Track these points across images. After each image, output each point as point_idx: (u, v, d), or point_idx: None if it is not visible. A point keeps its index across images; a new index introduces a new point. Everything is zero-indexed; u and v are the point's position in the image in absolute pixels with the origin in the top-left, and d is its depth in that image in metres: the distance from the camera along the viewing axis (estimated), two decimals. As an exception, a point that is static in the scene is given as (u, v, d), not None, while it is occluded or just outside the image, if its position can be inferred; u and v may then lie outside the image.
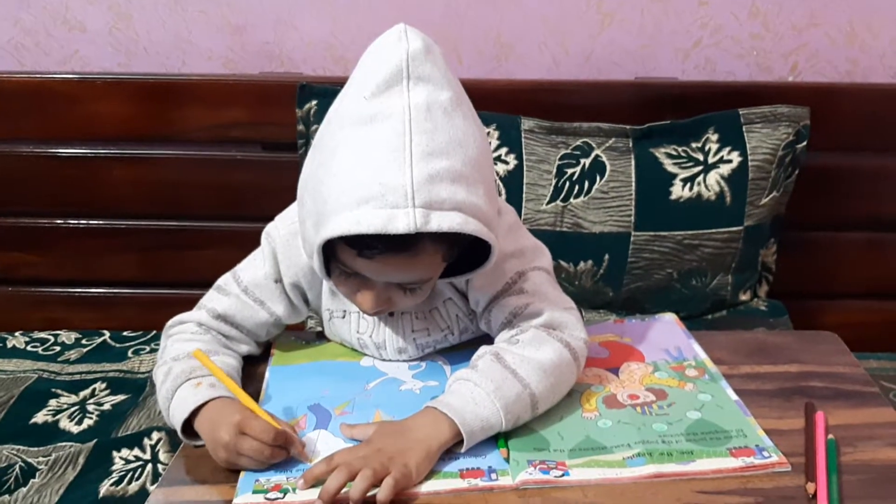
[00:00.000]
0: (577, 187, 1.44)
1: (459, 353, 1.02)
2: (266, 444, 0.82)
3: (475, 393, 0.86)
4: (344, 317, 1.01)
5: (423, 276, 0.88)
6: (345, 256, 0.84)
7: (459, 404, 0.85)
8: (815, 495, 0.78)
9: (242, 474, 0.83)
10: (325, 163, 0.82)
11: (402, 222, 0.77)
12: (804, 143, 1.46)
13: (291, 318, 1.02)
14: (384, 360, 1.02)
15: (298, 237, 0.93)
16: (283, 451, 0.84)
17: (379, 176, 0.78)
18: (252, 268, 1.00)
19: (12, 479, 1.21)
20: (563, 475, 0.81)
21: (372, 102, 0.79)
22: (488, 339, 0.98)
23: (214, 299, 0.99)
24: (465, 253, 0.88)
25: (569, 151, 1.46)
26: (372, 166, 0.78)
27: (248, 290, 0.99)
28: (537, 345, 0.91)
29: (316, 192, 0.82)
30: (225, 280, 1.01)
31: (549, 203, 1.44)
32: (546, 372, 0.89)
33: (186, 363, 0.91)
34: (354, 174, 0.79)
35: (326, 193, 0.80)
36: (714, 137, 1.45)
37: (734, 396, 0.94)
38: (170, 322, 1.00)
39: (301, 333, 1.12)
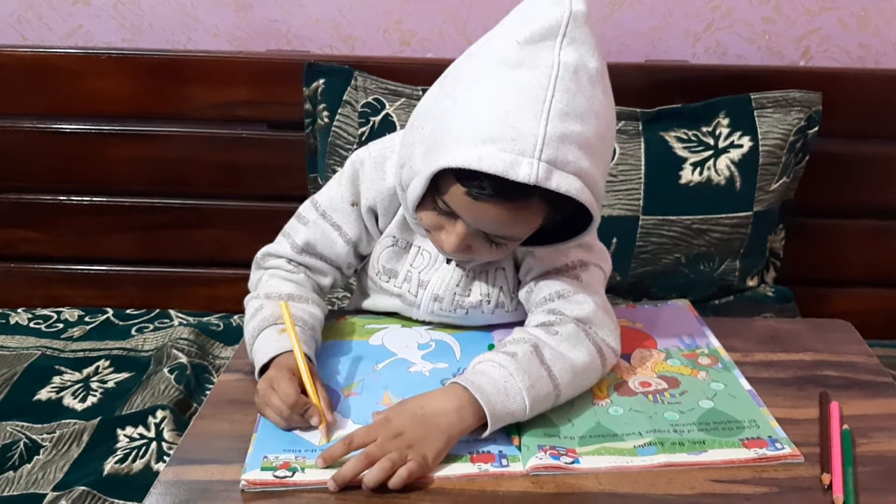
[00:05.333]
0: (586, 170, 1.43)
1: (470, 333, 1.02)
2: (285, 406, 0.84)
3: (508, 384, 0.84)
4: (406, 248, 1.00)
5: (518, 233, 0.87)
6: (451, 190, 0.83)
7: (491, 390, 0.83)
8: (830, 486, 0.78)
9: (251, 449, 0.83)
10: (458, 93, 0.82)
11: (524, 171, 0.77)
12: (815, 129, 1.45)
13: (363, 245, 1.02)
14: (410, 304, 1.01)
15: (388, 162, 0.95)
16: (302, 419, 0.85)
17: (512, 119, 0.77)
18: (329, 190, 1.01)
19: (17, 455, 1.21)
20: (573, 462, 0.81)
21: (523, 49, 0.79)
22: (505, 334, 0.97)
23: (296, 228, 1.01)
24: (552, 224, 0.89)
25: (578, 134, 1.44)
26: (507, 108, 0.78)
27: (325, 214, 1.00)
28: (573, 343, 0.90)
29: (440, 119, 0.82)
30: (304, 207, 1.02)
31: (557, 186, 1.42)
32: (576, 374, 0.88)
33: (278, 308, 0.93)
34: (487, 111, 0.78)
35: (452, 122, 0.80)
36: (725, 122, 1.44)
37: (747, 386, 0.93)
38: (261, 253, 1.03)
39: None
